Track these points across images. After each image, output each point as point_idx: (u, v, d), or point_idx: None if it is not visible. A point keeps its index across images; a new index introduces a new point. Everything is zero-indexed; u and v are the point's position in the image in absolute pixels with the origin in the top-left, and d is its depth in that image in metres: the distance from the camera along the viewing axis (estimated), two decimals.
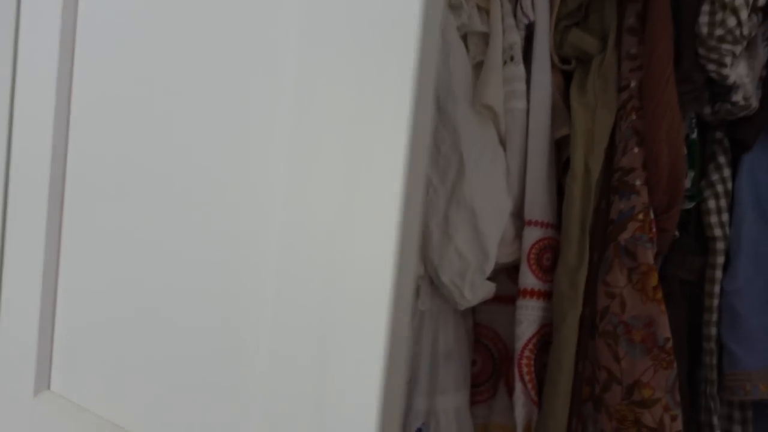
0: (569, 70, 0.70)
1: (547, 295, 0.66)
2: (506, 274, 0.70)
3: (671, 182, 0.63)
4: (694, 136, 0.68)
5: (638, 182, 0.64)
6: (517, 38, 0.70)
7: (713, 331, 0.67)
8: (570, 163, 0.66)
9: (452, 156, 0.66)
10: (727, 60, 0.62)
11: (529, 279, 0.66)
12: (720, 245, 0.67)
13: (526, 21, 0.70)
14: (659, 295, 0.62)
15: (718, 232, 0.67)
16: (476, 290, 0.65)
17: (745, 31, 0.61)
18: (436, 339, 0.66)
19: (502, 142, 0.68)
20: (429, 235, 0.65)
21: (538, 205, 0.67)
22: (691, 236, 0.69)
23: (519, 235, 0.68)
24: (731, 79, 0.63)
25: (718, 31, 0.61)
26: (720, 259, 0.67)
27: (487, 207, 0.65)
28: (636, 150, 0.64)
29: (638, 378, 0.62)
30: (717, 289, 0.67)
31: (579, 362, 0.65)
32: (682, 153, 0.63)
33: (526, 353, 0.65)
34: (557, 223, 0.67)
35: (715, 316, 0.67)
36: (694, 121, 0.68)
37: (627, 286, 0.63)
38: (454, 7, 0.70)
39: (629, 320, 0.63)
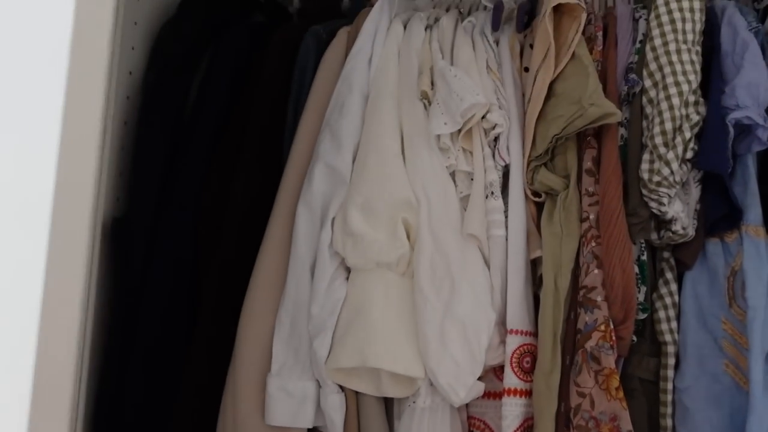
0: (540, 202, 0.85)
1: (528, 393, 0.78)
2: (494, 373, 0.83)
3: (625, 299, 0.77)
4: (644, 257, 0.82)
5: (599, 298, 0.78)
6: (496, 177, 0.85)
7: (669, 422, 0.79)
8: (542, 281, 0.80)
9: (445, 277, 0.79)
10: (665, 200, 0.77)
11: (512, 380, 0.79)
12: (671, 349, 0.80)
13: (503, 163, 0.85)
14: (621, 394, 0.75)
15: (668, 338, 0.81)
16: (468, 390, 0.77)
17: (677, 179, 0.76)
18: (434, 430, 0.78)
19: (487, 264, 0.83)
20: (427, 343, 0.77)
21: (518, 317, 0.80)
22: (647, 341, 0.82)
23: (503, 342, 0.80)
24: (669, 215, 0.78)
25: (656, 178, 0.77)
26: (671, 361, 0.80)
27: (476, 320, 0.78)
28: (596, 271, 0.78)
29: None
30: (670, 386, 0.79)
31: None
32: (632, 275, 0.77)
33: None
34: (535, 331, 0.80)
35: (669, 410, 0.79)
36: (643, 245, 0.82)
37: (595, 386, 0.76)
38: (443, 150, 0.86)
39: (598, 416, 0.75)
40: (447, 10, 1.00)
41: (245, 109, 0.94)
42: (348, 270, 0.83)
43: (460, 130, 0.85)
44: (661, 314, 0.81)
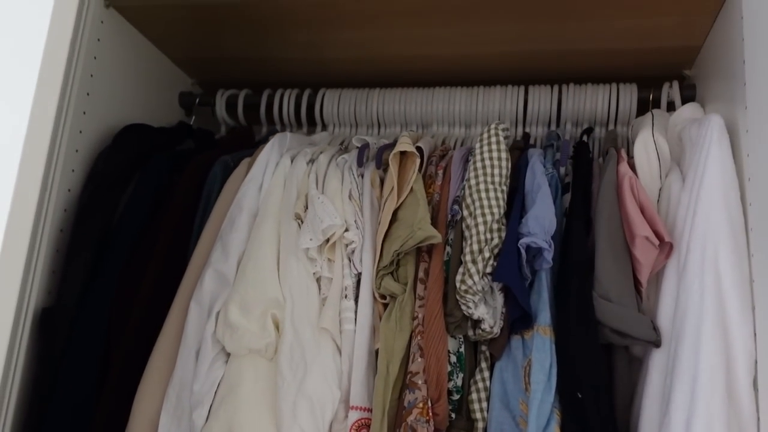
0: (385, 303, 1.07)
1: None
2: None
3: (438, 382, 0.97)
4: (462, 350, 1.03)
5: (420, 381, 0.98)
6: (350, 282, 1.06)
7: None
8: (378, 367, 1.00)
9: (300, 362, 0.99)
10: (471, 304, 0.99)
11: None
12: (480, 425, 0.99)
13: (356, 271, 1.08)
14: None
15: (479, 415, 1.00)
16: None
17: (479, 287, 0.99)
18: None
19: (339, 351, 1.03)
20: (282, 415, 0.96)
21: (359, 395, 0.99)
22: (463, 418, 1.01)
23: (347, 416, 1.00)
24: (476, 316, 0.99)
25: (463, 287, 0.99)
26: None
27: (322, 396, 0.98)
28: (419, 360, 0.99)
29: None
30: None
31: None
32: (445, 363, 0.98)
33: None
34: (371, 407, 1.00)
35: None
36: (461, 340, 1.03)
37: None
38: (311, 259, 1.08)
39: None
40: (345, 147, 1.26)
41: (159, 223, 1.16)
42: (227, 355, 1.03)
43: (327, 241, 1.07)
44: (474, 396, 1.01)
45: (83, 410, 1.04)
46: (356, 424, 0.99)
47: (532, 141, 1.35)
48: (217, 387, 1.00)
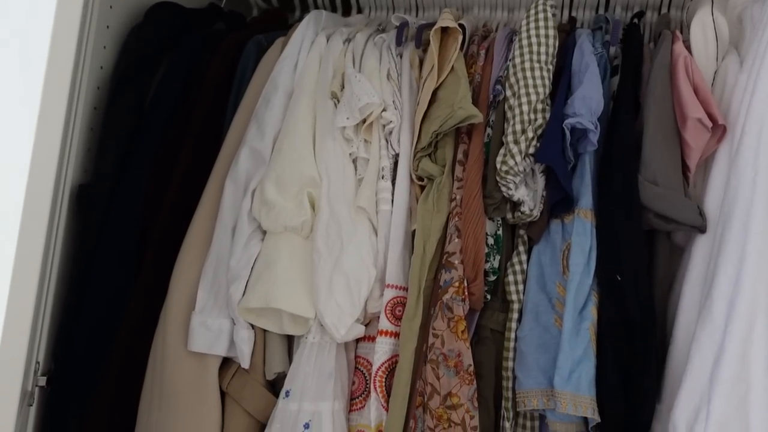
0: (423, 185, 1.05)
1: (397, 335, 0.98)
2: (377, 320, 1.02)
3: (475, 264, 0.96)
4: (500, 232, 1.01)
5: (456, 261, 0.97)
6: (387, 163, 1.04)
7: (510, 363, 0.98)
8: (414, 247, 0.99)
9: (336, 240, 0.99)
10: (511, 186, 0.96)
11: (385, 324, 0.98)
12: (516, 306, 0.99)
13: (393, 152, 1.05)
14: (465, 336, 0.94)
15: (515, 297, 1.00)
16: (348, 330, 0.96)
17: (520, 168, 0.96)
18: (320, 363, 0.97)
19: (375, 231, 1.02)
20: (318, 290, 0.97)
21: (394, 274, 0.99)
22: (498, 299, 1.01)
23: (382, 294, 1.00)
24: (515, 197, 0.97)
25: (504, 168, 0.96)
26: (515, 315, 0.99)
27: (358, 274, 0.98)
28: (456, 240, 0.98)
29: (450, 390, 0.93)
30: (513, 335, 0.98)
31: (415, 380, 0.96)
32: (483, 244, 0.97)
33: (380, 373, 0.96)
34: (406, 287, 1.00)
35: (511, 354, 0.98)
36: (500, 222, 1.02)
37: (446, 329, 0.95)
38: (347, 140, 1.05)
39: (446, 352, 0.94)
40: (380, 29, 1.21)
41: (193, 102, 1.14)
42: (262, 233, 1.02)
43: (364, 121, 1.04)
44: (511, 278, 1.00)
45: (122, 285, 1.05)
46: (391, 301, 0.99)
47: (578, 25, 1.28)
48: (254, 263, 1.00)
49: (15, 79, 0.93)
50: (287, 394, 0.97)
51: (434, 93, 1.04)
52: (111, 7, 1.16)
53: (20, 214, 0.93)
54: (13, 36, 0.93)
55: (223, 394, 1.00)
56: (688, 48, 1.04)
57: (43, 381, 0.99)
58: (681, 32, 1.11)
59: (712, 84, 1.03)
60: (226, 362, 1.01)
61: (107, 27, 1.16)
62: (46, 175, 0.95)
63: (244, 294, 0.99)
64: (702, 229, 0.95)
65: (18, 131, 0.93)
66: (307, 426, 0.95)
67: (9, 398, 0.89)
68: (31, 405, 0.97)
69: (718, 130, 0.96)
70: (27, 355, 0.93)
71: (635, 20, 1.21)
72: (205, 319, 1.00)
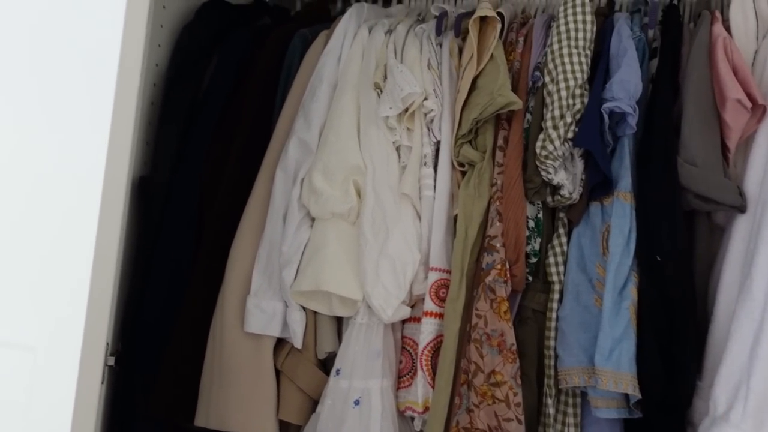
0: (464, 171, 1.08)
1: (441, 316, 1.02)
2: (422, 302, 1.06)
3: (516, 246, 0.99)
4: (540, 215, 1.04)
5: (498, 245, 1.00)
6: (430, 150, 1.08)
7: (552, 342, 1.01)
8: (457, 231, 1.03)
9: (382, 225, 1.03)
10: (551, 170, 0.99)
11: (430, 305, 1.02)
12: (557, 287, 1.02)
13: (435, 140, 1.09)
14: (508, 316, 0.98)
15: (555, 278, 1.02)
16: (395, 311, 1.01)
17: (559, 153, 0.98)
18: (369, 342, 1.02)
19: (418, 217, 1.06)
20: (365, 274, 1.01)
21: (437, 257, 1.04)
22: (540, 281, 1.04)
23: (426, 276, 1.04)
24: (555, 181, 1.00)
25: (544, 152, 0.99)
26: (556, 296, 1.02)
27: (403, 257, 1.02)
28: (498, 224, 1.01)
29: (494, 369, 0.97)
30: (554, 315, 1.01)
31: (460, 359, 1.00)
32: (524, 227, 1.00)
33: (426, 352, 1.01)
34: (450, 269, 1.03)
35: (553, 333, 1.01)
36: (540, 206, 1.04)
37: (489, 310, 0.99)
38: (391, 129, 1.09)
39: (490, 332, 0.98)
40: (422, 18, 1.24)
41: (243, 95, 1.20)
42: (311, 219, 1.08)
43: (407, 110, 1.08)
44: (552, 260, 1.03)
45: (182, 268, 1.12)
46: (436, 284, 1.03)
47: (617, 8, 1.28)
48: (304, 248, 1.06)
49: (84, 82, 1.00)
50: (338, 372, 1.02)
51: (474, 81, 1.07)
52: (164, 7, 1.22)
53: (98, 207, 0.99)
54: (83, 40, 1.00)
55: (277, 373, 1.06)
56: (728, 28, 1.05)
57: (111, 361, 1.06)
58: (721, 13, 1.11)
59: (752, 64, 1.03)
60: (280, 342, 1.07)
61: (161, 26, 1.22)
62: (120, 170, 1.01)
63: (295, 278, 1.04)
64: (742, 209, 0.96)
65: (91, 130, 1.00)
66: (357, 402, 1.00)
67: (93, 377, 0.96)
68: (103, 383, 1.05)
69: (758, 110, 0.97)
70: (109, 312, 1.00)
71: (674, 1, 1.21)
72: (260, 302, 1.05)
